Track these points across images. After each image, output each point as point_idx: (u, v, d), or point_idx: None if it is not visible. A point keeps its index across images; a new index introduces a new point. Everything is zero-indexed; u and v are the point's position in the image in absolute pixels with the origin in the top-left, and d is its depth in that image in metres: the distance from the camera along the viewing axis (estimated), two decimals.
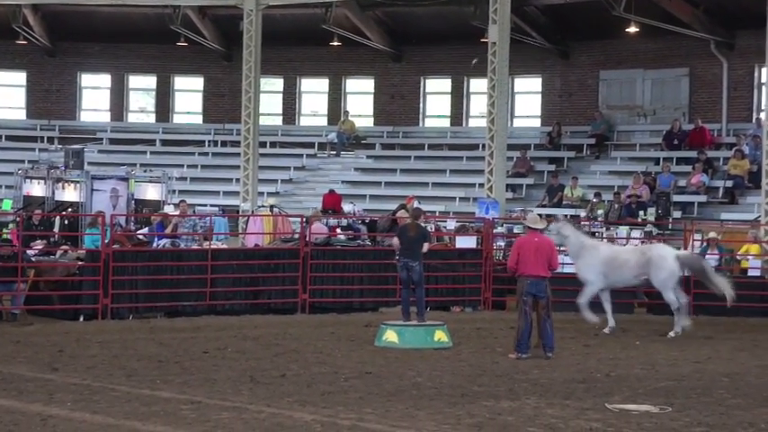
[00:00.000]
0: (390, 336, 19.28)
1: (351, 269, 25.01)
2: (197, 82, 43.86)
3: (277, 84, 43.01)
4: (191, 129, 43.32)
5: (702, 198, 32.79)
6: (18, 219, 26.73)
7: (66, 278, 23.08)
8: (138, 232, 27.20)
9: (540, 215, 21.90)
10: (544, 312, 18.23)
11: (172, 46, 41.91)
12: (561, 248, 21.83)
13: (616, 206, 32.40)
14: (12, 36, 41.98)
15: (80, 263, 23.40)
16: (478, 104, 39.33)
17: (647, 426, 12.75)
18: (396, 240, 20.71)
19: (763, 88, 34.32)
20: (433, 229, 29.25)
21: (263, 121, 37.41)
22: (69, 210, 30.78)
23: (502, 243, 27.74)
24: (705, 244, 26.36)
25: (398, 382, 15.43)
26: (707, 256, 25.74)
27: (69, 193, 31.97)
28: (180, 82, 44.09)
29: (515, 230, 29.05)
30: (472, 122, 40.56)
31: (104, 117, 44.30)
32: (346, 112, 41.84)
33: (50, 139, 42.88)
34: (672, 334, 21.19)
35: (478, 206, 31.22)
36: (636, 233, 29.16)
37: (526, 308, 18.16)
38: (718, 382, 15.91)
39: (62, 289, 22.91)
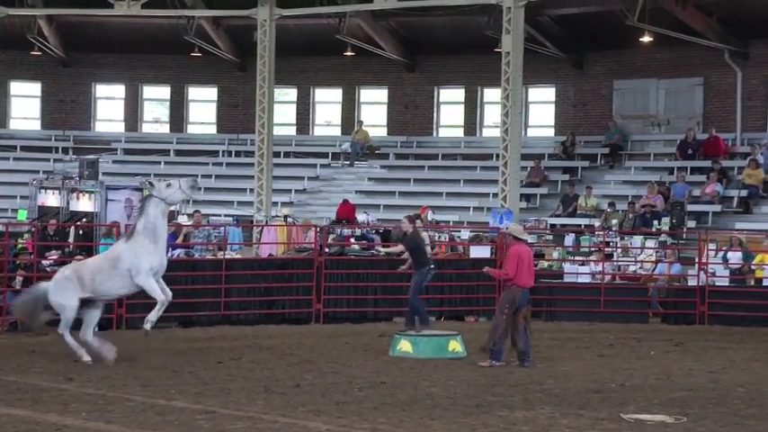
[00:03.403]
0: (404, 345, 19.26)
1: (365, 279, 24.96)
2: (211, 92, 43.93)
3: (291, 94, 43.08)
4: (205, 139, 43.40)
5: (717, 208, 32.70)
6: (33, 229, 26.79)
7: None
8: None
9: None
10: (525, 321, 18.23)
11: (186, 56, 42.01)
12: None
13: (630, 216, 32.31)
14: (27, 47, 42.11)
15: None
16: (492, 114, 39.30)
17: None
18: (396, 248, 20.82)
19: None
20: (447, 239, 29.29)
21: (276, 131, 37.45)
22: (84, 220, 30.81)
23: None
24: (723, 252, 26.37)
25: (413, 392, 15.42)
26: (729, 255, 25.75)
27: (84, 204, 31.95)
28: (194, 92, 44.17)
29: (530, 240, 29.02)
30: (486, 132, 40.50)
31: (119, 127, 44.39)
32: (360, 122, 41.86)
33: (65, 150, 42.93)
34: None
35: (492, 216, 31.20)
36: (650, 243, 29.15)
37: (506, 317, 18.09)
38: (734, 393, 15.86)
39: None
